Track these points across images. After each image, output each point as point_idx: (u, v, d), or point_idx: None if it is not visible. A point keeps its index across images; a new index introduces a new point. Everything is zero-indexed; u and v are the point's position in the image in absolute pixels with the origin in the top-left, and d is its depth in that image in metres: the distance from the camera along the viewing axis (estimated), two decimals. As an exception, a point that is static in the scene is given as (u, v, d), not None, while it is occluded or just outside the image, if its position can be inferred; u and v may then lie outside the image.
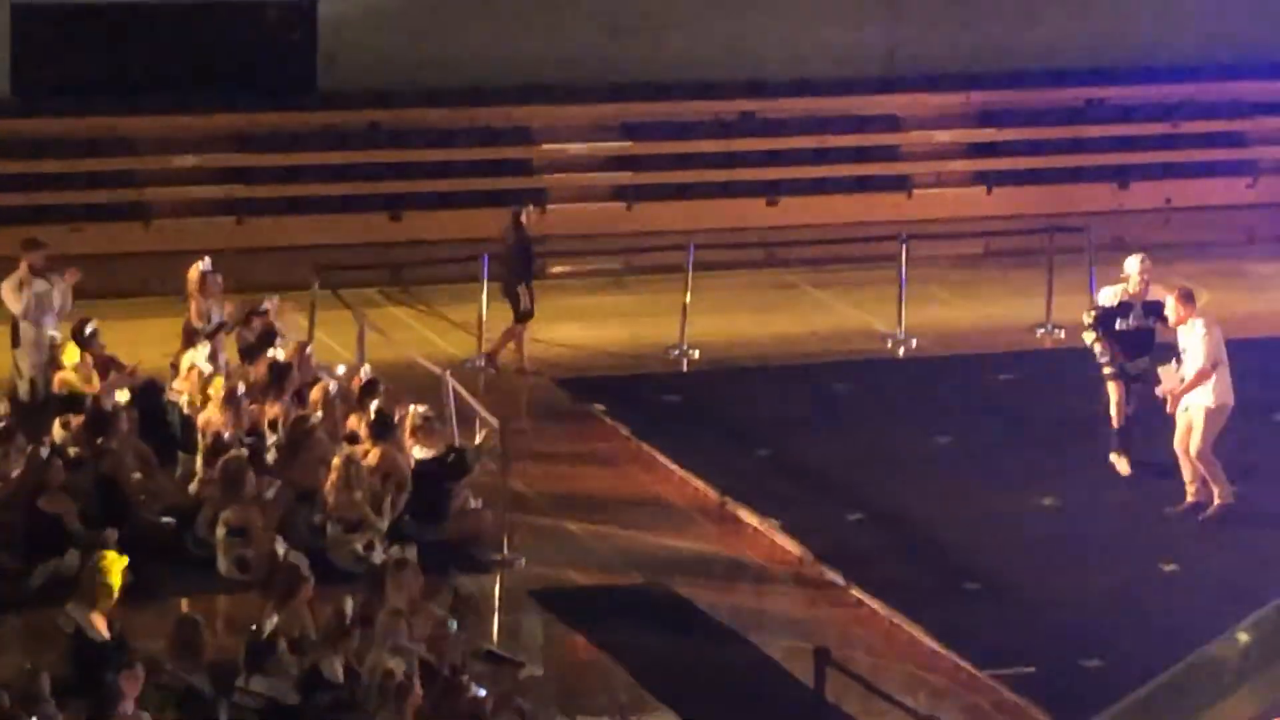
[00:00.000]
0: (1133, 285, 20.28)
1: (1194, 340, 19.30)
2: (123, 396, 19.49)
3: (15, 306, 20.87)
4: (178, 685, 14.49)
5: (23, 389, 20.64)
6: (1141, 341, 20.18)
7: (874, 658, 16.69)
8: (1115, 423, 20.27)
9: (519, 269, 23.06)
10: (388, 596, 15.51)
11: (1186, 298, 19.59)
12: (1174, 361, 19.45)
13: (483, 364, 22.94)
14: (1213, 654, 6.05)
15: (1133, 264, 20.42)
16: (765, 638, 17.26)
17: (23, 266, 21.04)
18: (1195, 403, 19.28)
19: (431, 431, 19.19)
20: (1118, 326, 20.19)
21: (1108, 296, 20.40)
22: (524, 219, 23.31)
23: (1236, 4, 31.14)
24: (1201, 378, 19.19)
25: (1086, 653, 16.68)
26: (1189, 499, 19.47)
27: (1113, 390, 20.25)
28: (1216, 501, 19.33)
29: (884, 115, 30.37)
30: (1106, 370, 20.24)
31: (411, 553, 16.43)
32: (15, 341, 20.97)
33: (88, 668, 14.74)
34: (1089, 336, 20.28)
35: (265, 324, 20.91)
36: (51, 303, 20.88)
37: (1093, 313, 20.36)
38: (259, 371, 20.08)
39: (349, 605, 15.16)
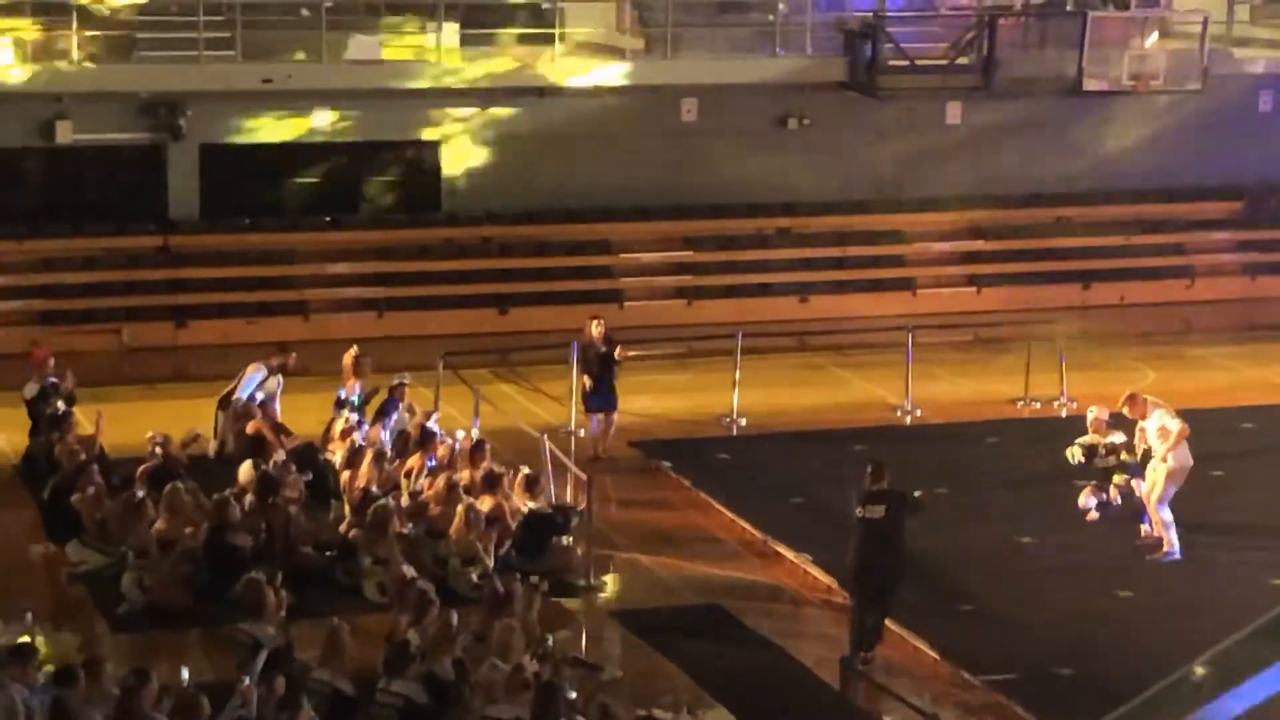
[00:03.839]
0: (1090, 435, 19.89)
1: (1157, 423, 18.92)
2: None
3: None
4: (325, 690, 14.45)
5: (212, 447, 20.77)
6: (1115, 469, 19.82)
7: (886, 665, 16.61)
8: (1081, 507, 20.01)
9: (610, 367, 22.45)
10: (512, 612, 15.47)
11: (1134, 399, 19.24)
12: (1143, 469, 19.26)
13: (603, 455, 22.07)
14: (1175, 682, 5.98)
15: (1090, 414, 20.07)
16: (799, 648, 17.19)
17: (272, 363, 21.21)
18: (1164, 467, 19.01)
19: (535, 486, 19.24)
20: (1096, 464, 19.86)
21: (1083, 445, 19.99)
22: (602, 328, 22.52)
23: (1172, 146, 31.16)
24: (1180, 439, 18.83)
25: (1059, 662, 16.57)
26: (1152, 535, 19.33)
27: (1088, 493, 19.96)
28: (1164, 548, 19.13)
29: (893, 230, 30.41)
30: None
31: (515, 582, 16.44)
32: (223, 405, 21.09)
33: (264, 666, 14.65)
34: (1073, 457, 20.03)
35: (392, 398, 20.99)
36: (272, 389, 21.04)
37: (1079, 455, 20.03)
38: (410, 435, 20.07)
39: (454, 618, 15.13)
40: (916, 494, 16.95)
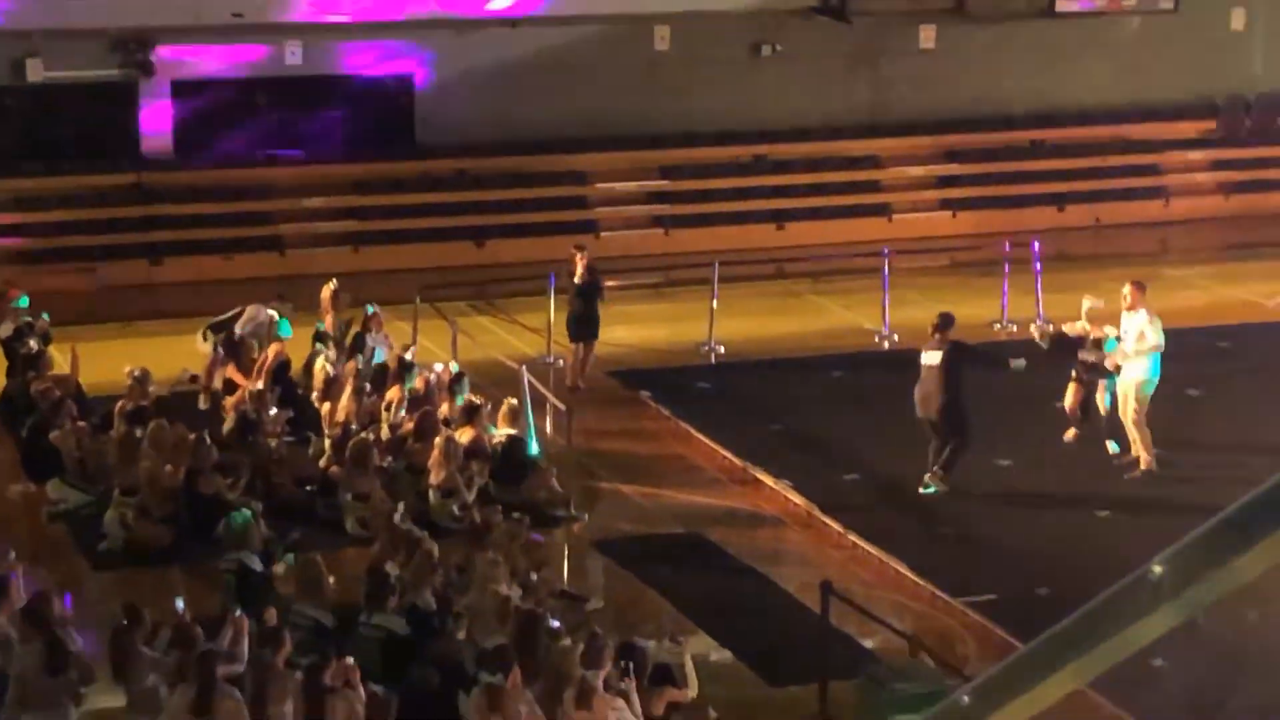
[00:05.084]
0: (1086, 324, 19.83)
1: (1141, 324, 19.03)
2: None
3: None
4: (306, 621, 14.44)
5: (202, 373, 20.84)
6: (1097, 367, 19.74)
7: (867, 589, 16.68)
8: (1069, 411, 20.03)
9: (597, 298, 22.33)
10: (494, 544, 15.50)
11: (1140, 287, 19.34)
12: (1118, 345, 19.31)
13: (580, 386, 22.09)
14: (1133, 582, 6.02)
15: (1085, 304, 19.97)
16: (781, 574, 17.29)
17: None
18: (1131, 378, 19.12)
19: (516, 417, 19.23)
20: (1079, 356, 19.77)
21: (1073, 329, 19.94)
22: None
23: (1146, 65, 31.11)
24: (1154, 350, 18.93)
25: (1037, 583, 16.67)
26: (1125, 456, 19.40)
27: (1071, 390, 19.98)
28: (1141, 465, 19.22)
29: (868, 155, 30.34)
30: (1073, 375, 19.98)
31: (496, 513, 16.46)
32: (217, 330, 21.08)
33: (250, 597, 14.70)
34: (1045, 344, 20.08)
35: (361, 329, 20.94)
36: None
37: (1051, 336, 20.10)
38: (389, 368, 20.05)
39: (435, 550, 15.16)
40: (1014, 363, 19.31)
